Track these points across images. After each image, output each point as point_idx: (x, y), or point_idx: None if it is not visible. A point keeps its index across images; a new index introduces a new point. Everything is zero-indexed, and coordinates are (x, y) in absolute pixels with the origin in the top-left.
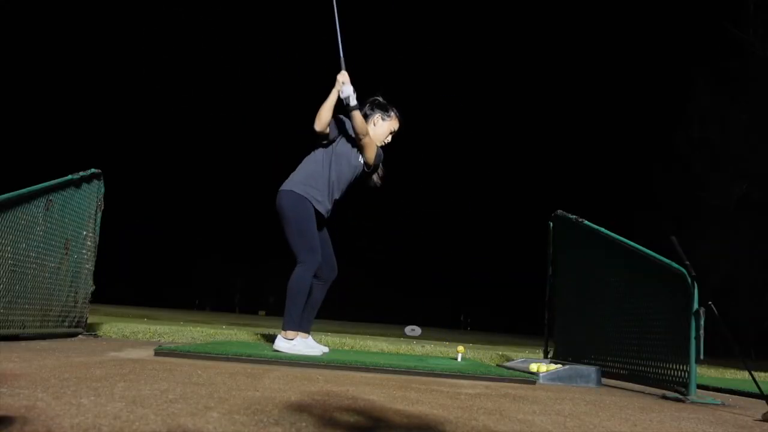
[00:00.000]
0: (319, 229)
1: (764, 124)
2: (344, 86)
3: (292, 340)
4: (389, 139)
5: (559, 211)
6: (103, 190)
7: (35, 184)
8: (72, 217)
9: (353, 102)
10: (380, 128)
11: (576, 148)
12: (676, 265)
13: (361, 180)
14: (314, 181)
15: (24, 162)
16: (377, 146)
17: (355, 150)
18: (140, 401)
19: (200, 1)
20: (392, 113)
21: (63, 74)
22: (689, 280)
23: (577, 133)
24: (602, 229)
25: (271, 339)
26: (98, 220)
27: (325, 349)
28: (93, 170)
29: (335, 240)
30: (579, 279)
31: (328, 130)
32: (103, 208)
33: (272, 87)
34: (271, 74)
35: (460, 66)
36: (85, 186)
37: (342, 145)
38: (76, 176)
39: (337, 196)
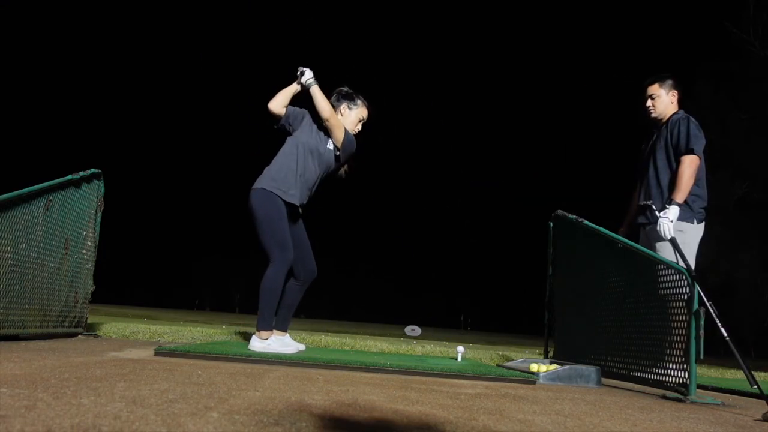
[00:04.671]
0: (296, 228)
1: (764, 124)
2: (306, 72)
3: (266, 339)
4: (359, 127)
5: (559, 211)
6: (103, 190)
7: (35, 184)
8: (72, 217)
9: (309, 76)
10: (348, 117)
11: (576, 148)
12: (676, 265)
13: (333, 170)
14: (283, 175)
15: (24, 162)
16: (346, 130)
17: (324, 138)
18: (140, 401)
19: (200, 2)
20: (359, 101)
21: (63, 74)
22: (689, 280)
23: (578, 133)
24: (602, 229)
25: None
26: (98, 220)
27: (301, 347)
28: (93, 170)
29: (336, 240)
30: (579, 279)
31: (282, 111)
32: (103, 208)
33: (272, 87)
34: (270, 75)
35: (465, 66)
36: (85, 186)
37: (308, 135)
38: (76, 176)
39: (310, 186)
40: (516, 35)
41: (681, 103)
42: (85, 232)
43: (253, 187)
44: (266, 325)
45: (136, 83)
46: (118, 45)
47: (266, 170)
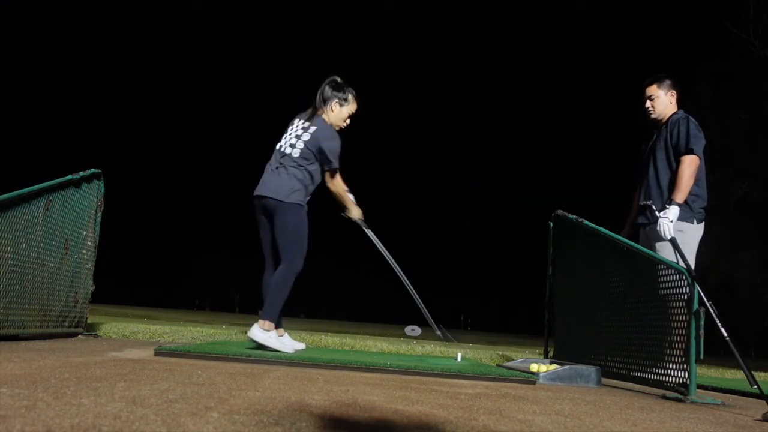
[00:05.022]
0: None
1: (764, 124)
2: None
3: (269, 331)
4: (348, 122)
5: (559, 211)
6: (103, 190)
7: (35, 184)
8: (72, 217)
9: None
10: (339, 113)
11: (576, 148)
12: (676, 265)
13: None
14: (308, 194)
15: (24, 162)
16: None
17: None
18: (140, 401)
19: (200, 2)
20: (349, 96)
21: (63, 74)
22: (689, 280)
23: (578, 132)
24: (602, 229)
25: None
26: (98, 220)
27: (300, 346)
28: (93, 170)
29: (336, 240)
30: (579, 279)
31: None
32: (103, 208)
33: (272, 88)
34: (270, 76)
35: (465, 67)
36: (85, 186)
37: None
38: (76, 176)
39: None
40: (516, 35)
41: (680, 102)
42: (85, 232)
43: (291, 201)
44: (273, 317)
45: (135, 83)
46: (118, 45)
47: (300, 188)
